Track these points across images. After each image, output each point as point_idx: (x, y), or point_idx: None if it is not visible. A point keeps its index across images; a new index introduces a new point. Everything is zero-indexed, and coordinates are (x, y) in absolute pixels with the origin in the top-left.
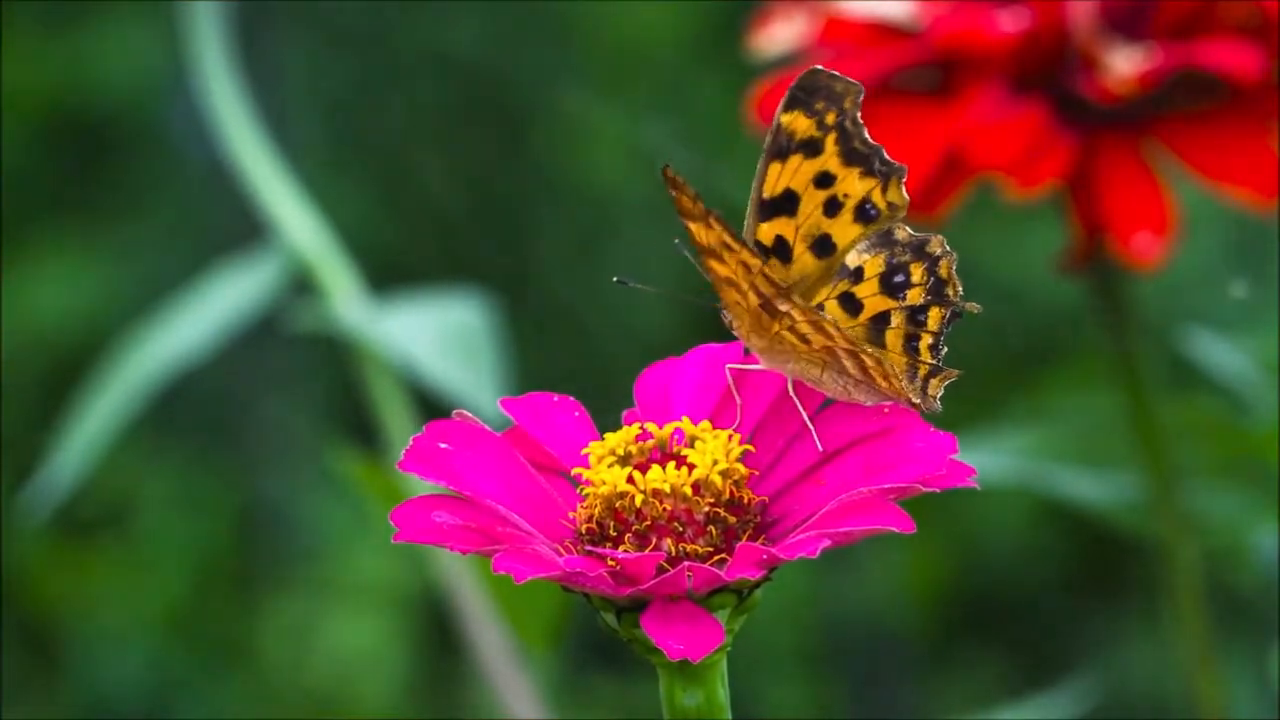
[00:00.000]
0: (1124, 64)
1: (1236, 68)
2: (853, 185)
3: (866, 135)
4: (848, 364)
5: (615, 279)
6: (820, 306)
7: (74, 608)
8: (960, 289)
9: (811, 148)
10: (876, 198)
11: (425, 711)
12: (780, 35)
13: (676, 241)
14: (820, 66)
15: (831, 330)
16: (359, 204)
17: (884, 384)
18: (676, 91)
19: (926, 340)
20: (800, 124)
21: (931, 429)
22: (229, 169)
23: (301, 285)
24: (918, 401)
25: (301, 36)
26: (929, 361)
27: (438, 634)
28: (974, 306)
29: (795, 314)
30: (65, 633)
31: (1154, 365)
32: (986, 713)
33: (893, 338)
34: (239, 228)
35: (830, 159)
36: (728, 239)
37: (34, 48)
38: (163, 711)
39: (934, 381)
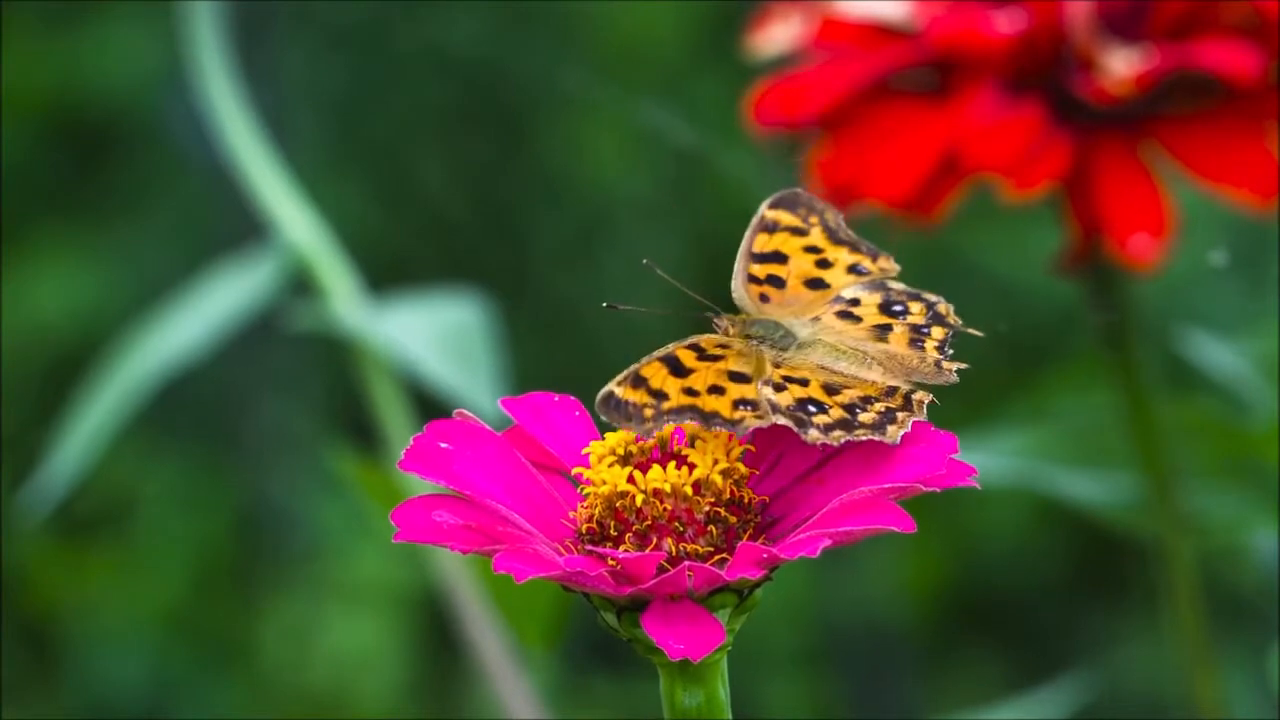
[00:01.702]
0: (1121, 65)
1: (1234, 68)
2: (841, 255)
3: (850, 231)
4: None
5: (605, 304)
6: (817, 317)
7: (74, 608)
8: (960, 322)
9: (798, 231)
10: (868, 266)
11: (425, 711)
12: (778, 36)
13: (645, 262)
14: (800, 190)
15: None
16: (358, 204)
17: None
18: (676, 90)
19: (932, 343)
20: (785, 217)
21: (932, 428)
22: (228, 169)
23: (301, 285)
24: (935, 380)
25: (301, 36)
26: (936, 355)
27: (437, 634)
28: (977, 332)
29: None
30: (65, 633)
31: (1152, 366)
32: (986, 712)
33: (896, 339)
34: (239, 228)
35: (817, 239)
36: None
37: (34, 48)
38: (163, 711)
39: (945, 363)
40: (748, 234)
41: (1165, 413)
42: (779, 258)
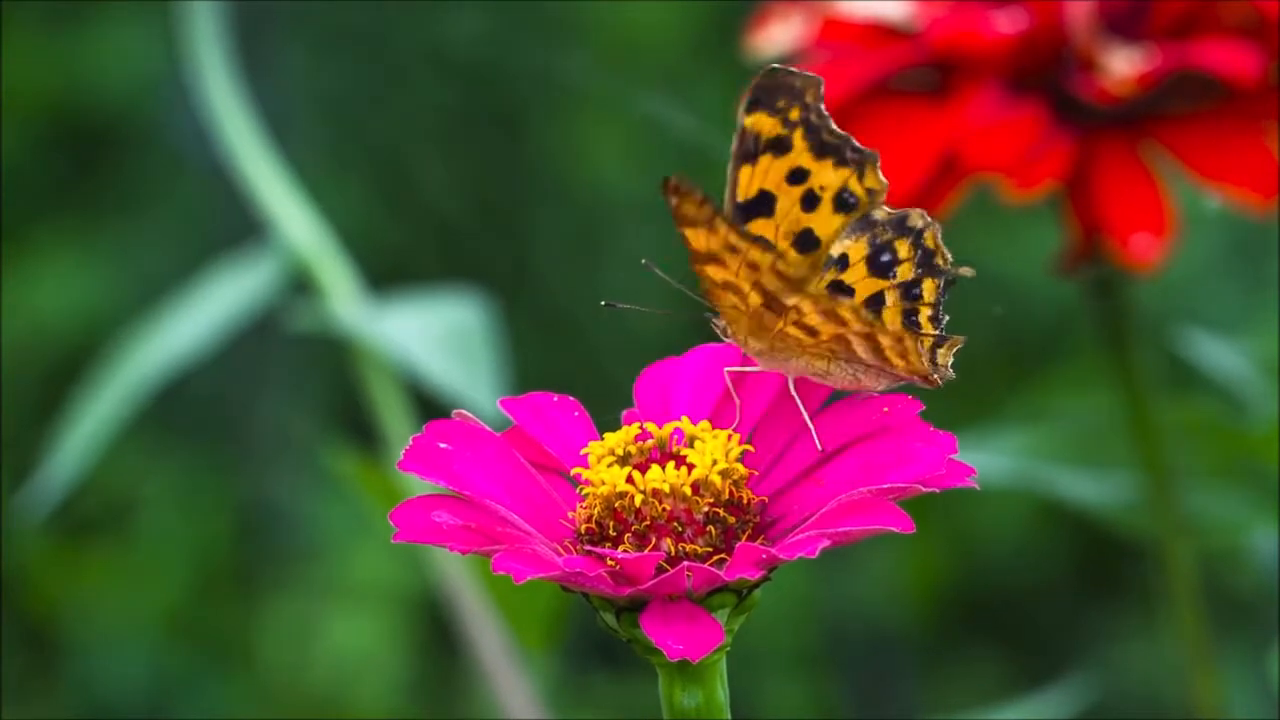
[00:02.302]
0: (1122, 65)
1: (1234, 68)
2: (828, 177)
3: (833, 125)
4: (859, 349)
5: (604, 303)
6: None
7: (74, 608)
8: (950, 256)
9: (779, 146)
10: (854, 186)
11: (425, 712)
12: (777, 36)
13: (644, 262)
14: (777, 65)
15: (848, 314)
16: (358, 204)
17: (900, 363)
18: (676, 91)
19: (925, 313)
20: (765, 124)
21: (931, 428)
22: (228, 169)
23: (300, 285)
24: (932, 375)
25: (301, 36)
26: (932, 333)
27: (437, 634)
28: (967, 271)
29: (806, 305)
30: (65, 633)
31: (1152, 366)
32: (986, 712)
33: (890, 316)
34: (238, 227)
35: (800, 154)
36: (734, 239)
37: (34, 48)
38: (163, 711)
39: (941, 351)
40: (730, 169)
41: (1165, 413)
42: (765, 205)
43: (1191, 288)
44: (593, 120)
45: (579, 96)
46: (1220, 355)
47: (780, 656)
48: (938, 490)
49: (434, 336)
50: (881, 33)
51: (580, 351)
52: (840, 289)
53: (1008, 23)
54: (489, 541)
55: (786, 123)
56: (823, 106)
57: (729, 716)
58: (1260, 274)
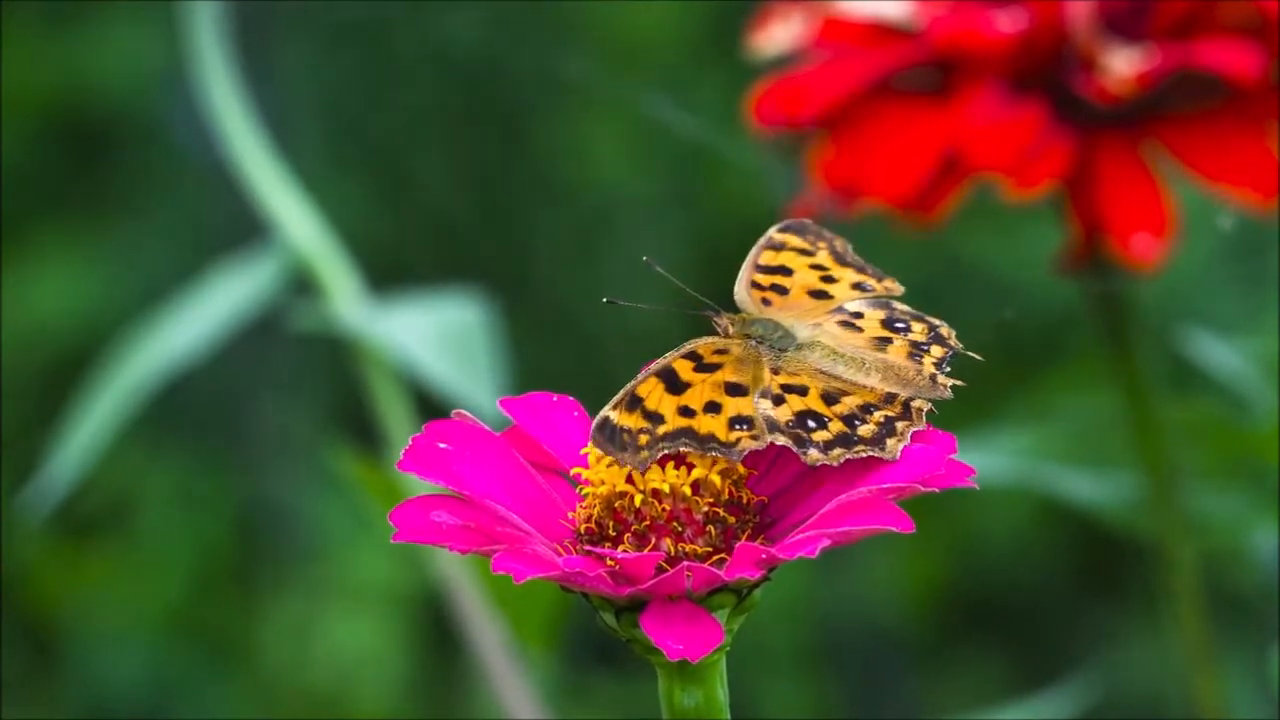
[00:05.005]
0: (1122, 64)
1: (1235, 68)
2: (847, 274)
3: (858, 257)
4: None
5: (606, 299)
6: (819, 323)
7: (74, 607)
8: (961, 347)
9: (805, 252)
10: (873, 285)
11: (425, 711)
12: (778, 36)
13: (646, 260)
14: (808, 220)
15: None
16: (359, 204)
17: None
18: (677, 91)
19: (930, 359)
20: (792, 240)
21: (931, 428)
22: (229, 168)
23: (301, 285)
24: (929, 394)
25: (301, 36)
26: (934, 369)
27: (437, 634)
28: (977, 357)
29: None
30: (65, 633)
31: (1153, 366)
32: (986, 712)
33: (896, 351)
34: (239, 227)
35: (824, 258)
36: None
37: (34, 47)
38: (163, 711)
39: (941, 377)
40: (754, 250)
41: (1165, 413)
42: (784, 270)
43: (1191, 288)
44: (593, 120)
45: (579, 96)
46: (1220, 355)
47: (780, 656)
48: (938, 490)
49: (434, 336)
50: (882, 32)
51: (580, 351)
52: (850, 326)
53: (1008, 22)
54: (489, 541)
55: (813, 245)
56: (849, 247)
57: (729, 716)
58: (1260, 274)
